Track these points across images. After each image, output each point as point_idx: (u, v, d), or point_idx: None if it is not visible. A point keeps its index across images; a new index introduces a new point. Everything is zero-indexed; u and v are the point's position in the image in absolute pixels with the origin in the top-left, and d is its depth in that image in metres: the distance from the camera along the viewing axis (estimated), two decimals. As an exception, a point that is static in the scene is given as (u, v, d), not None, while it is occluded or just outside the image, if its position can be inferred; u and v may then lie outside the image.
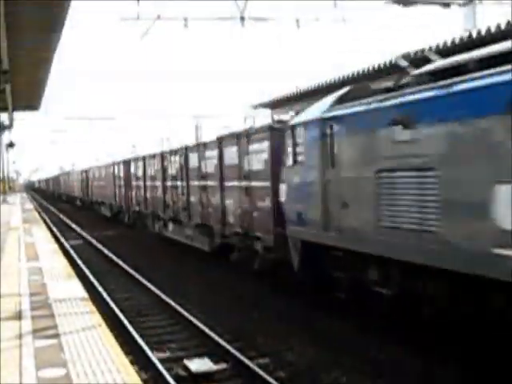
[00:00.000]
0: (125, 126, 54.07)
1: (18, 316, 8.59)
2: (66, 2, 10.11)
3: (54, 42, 12.41)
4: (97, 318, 8.44)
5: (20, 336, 7.51)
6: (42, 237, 20.34)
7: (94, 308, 9.15)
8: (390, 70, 17.08)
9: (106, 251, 22.58)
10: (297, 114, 25.38)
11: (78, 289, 10.68)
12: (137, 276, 16.80)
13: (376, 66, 17.39)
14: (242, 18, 15.43)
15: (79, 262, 19.80)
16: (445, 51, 14.53)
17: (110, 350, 6.82)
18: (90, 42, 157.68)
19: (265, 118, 31.11)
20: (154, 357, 9.63)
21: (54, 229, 31.43)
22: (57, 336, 7.45)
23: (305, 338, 10.66)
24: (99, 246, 24.65)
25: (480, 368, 8.22)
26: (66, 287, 10.76)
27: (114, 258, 20.64)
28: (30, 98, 19.35)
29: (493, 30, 13.08)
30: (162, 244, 24.53)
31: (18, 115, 29.06)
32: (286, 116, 25.99)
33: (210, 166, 17.90)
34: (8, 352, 6.82)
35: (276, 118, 26.20)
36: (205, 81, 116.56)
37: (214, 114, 46.81)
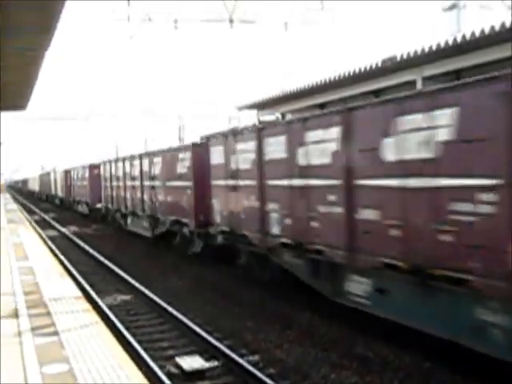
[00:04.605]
0: (108, 126, 53.93)
1: (15, 314, 8.71)
2: (61, 3, 10.09)
3: (46, 42, 12.38)
4: (93, 316, 8.58)
5: (19, 333, 7.64)
6: (29, 237, 20.38)
7: (89, 306, 9.29)
8: (375, 72, 17.35)
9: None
10: (282, 115, 25.68)
11: (71, 287, 10.81)
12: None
13: (362, 69, 17.63)
14: (231, 20, 15.59)
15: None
16: (432, 55, 14.85)
17: (110, 346, 6.98)
18: (76, 42, 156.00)
19: (250, 118, 31.31)
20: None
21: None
22: (56, 333, 7.59)
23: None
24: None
25: (466, 364, 8.48)
26: (59, 286, 10.88)
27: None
28: (18, 98, 19.32)
29: (477, 34, 13.35)
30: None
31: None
32: (272, 117, 26.24)
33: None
34: (9, 348, 6.96)
35: (262, 119, 26.46)
36: (192, 82, 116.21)
37: (199, 115, 46.85)
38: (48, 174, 71.14)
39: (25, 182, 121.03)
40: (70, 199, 49.27)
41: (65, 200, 54.06)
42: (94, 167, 38.09)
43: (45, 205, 66.35)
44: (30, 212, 51.03)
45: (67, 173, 50.62)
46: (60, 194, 57.01)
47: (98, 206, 36.09)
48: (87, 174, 38.95)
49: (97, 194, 35.81)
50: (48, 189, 69.38)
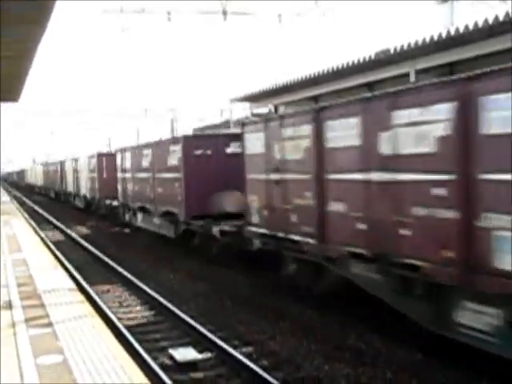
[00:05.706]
0: (99, 120, 53.70)
1: (9, 306, 8.71)
2: (54, -4, 10.04)
3: (39, 34, 12.31)
4: (87, 308, 8.59)
5: (13, 325, 7.65)
6: (22, 229, 20.33)
7: (83, 298, 9.30)
8: (368, 65, 17.36)
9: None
10: (275, 108, 25.67)
11: (64, 279, 10.81)
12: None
13: (355, 61, 17.63)
14: (225, 12, 15.57)
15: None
16: (425, 47, 14.86)
17: (105, 338, 6.99)
18: (68, 36, 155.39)
19: (243, 111, 31.26)
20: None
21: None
22: (50, 325, 7.60)
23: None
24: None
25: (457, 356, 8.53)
26: (52, 278, 10.87)
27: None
28: (10, 90, 19.24)
29: (471, 27, 13.37)
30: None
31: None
32: (265, 109, 26.23)
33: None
34: (4, 340, 6.96)
35: (255, 111, 26.44)
36: (186, 74, 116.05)
37: (191, 108, 46.84)
38: (61, 162, 49.19)
39: (21, 173, 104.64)
40: (114, 203, 29.53)
41: (96, 203, 34.40)
42: (199, 142, 18.51)
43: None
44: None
45: (104, 159, 32.38)
46: (85, 192, 37.18)
47: (224, 228, 16.08)
48: (177, 160, 18.85)
49: (214, 199, 17.27)
50: (59, 184, 49.15)
